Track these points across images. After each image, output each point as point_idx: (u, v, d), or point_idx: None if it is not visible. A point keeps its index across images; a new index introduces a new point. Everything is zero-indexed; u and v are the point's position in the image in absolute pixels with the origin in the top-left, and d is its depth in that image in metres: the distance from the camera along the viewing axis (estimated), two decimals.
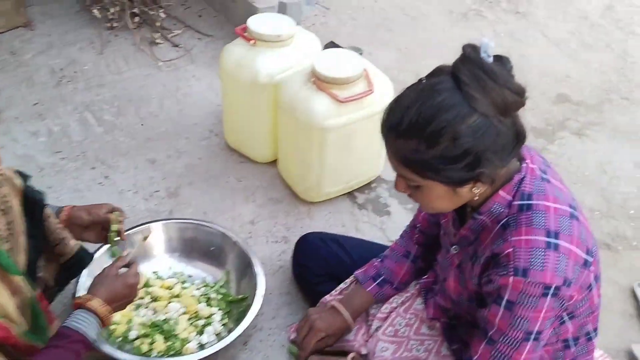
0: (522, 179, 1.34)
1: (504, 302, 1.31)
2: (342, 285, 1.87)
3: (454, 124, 1.16)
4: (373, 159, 2.45)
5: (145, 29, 3.36)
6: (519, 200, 1.34)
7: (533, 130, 2.89)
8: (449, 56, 1.23)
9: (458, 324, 1.66)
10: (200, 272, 2.10)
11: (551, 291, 1.26)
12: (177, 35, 3.35)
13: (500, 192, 1.35)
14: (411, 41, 3.54)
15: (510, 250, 1.30)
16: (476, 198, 1.33)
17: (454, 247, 1.54)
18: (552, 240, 1.27)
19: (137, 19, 3.35)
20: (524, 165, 1.35)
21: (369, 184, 2.52)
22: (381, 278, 1.80)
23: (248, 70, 2.36)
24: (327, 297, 1.87)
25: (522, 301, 1.28)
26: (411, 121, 1.20)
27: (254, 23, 2.40)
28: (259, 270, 1.98)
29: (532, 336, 1.30)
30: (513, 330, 1.31)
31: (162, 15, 3.35)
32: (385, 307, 1.78)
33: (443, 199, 1.32)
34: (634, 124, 3.04)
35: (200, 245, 2.12)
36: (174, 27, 3.40)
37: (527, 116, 1.30)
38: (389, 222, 2.39)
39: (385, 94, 2.29)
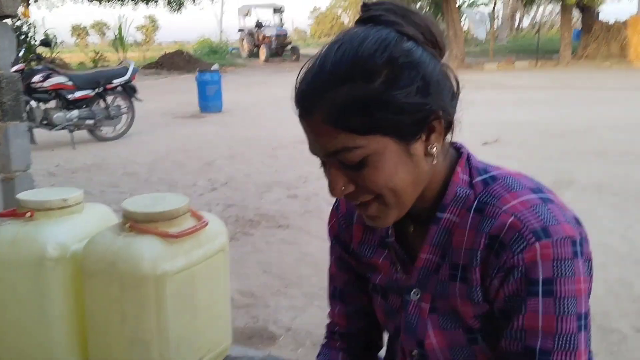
0: (468, 158, 1.12)
1: (540, 288, 0.97)
2: None
3: (386, 48, 0.95)
4: (222, 316, 1.90)
5: None
6: (478, 176, 1.09)
7: None
8: None
9: None
10: None
11: (577, 247, 0.98)
12: None
13: (458, 169, 1.09)
14: None
15: (512, 218, 1.01)
16: (435, 161, 1.03)
17: (413, 292, 1.15)
18: (542, 195, 1.03)
19: None
20: (462, 149, 1.14)
21: None
22: None
23: (29, 246, 1.75)
24: None
25: (559, 272, 0.97)
26: (335, 64, 0.95)
27: (27, 195, 1.87)
28: None
29: (583, 322, 0.97)
30: (564, 322, 0.97)
31: None
32: None
33: (400, 167, 1.00)
34: None
35: None
36: None
37: None
38: None
39: (219, 230, 1.87)
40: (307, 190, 5.68)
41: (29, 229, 1.78)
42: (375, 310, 1.26)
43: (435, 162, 1.03)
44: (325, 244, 1.34)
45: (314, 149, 1.01)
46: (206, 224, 1.79)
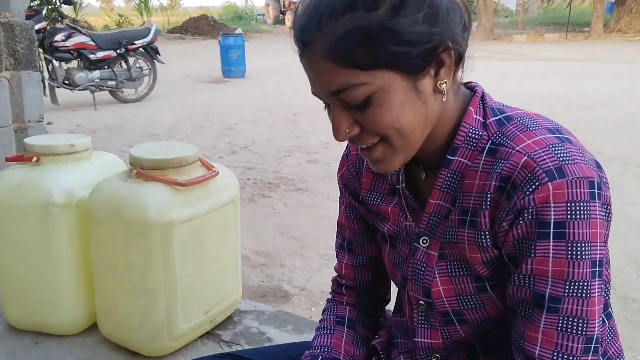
0: (482, 98, 1.03)
1: (551, 231, 0.89)
2: None
3: None
4: (232, 269, 1.86)
5: None
6: (493, 117, 1.00)
7: None
8: None
9: None
10: None
11: (595, 189, 0.89)
12: None
13: (471, 109, 1.00)
14: None
15: (526, 158, 0.92)
16: (444, 99, 0.95)
17: (422, 239, 1.07)
18: (559, 135, 0.95)
19: None
20: (477, 87, 1.05)
21: (229, 317, 1.89)
22: (319, 359, 1.20)
23: (35, 192, 1.71)
24: None
25: (573, 214, 0.88)
26: None
27: (33, 139, 1.82)
28: None
29: (597, 269, 0.89)
30: (577, 267, 0.88)
31: None
32: None
33: (407, 105, 0.92)
34: None
35: None
36: None
37: None
38: None
39: (230, 182, 1.82)
40: (328, 156, 5.60)
41: (34, 174, 1.74)
42: (383, 260, 1.20)
43: (444, 99, 0.95)
44: None
45: (315, 89, 0.94)
46: (216, 174, 1.74)
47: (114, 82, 8.46)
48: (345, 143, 1.06)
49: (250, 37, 19.58)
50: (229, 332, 1.85)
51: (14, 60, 2.63)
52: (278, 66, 13.04)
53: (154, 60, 8.92)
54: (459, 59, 0.96)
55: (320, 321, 1.31)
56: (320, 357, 1.19)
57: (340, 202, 1.29)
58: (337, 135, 0.94)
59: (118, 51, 8.46)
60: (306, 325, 1.90)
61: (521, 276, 0.91)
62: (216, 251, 1.77)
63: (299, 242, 3.59)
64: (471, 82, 1.05)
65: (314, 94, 0.96)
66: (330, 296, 1.36)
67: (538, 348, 0.90)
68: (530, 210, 0.88)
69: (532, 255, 0.89)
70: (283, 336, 1.83)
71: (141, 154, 1.67)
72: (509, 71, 11.26)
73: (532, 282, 0.90)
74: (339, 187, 1.28)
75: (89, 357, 1.74)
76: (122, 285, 1.67)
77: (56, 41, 7.93)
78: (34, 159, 1.76)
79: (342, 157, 1.26)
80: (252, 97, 9.21)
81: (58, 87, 7.96)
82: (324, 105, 0.98)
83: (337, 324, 1.26)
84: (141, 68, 8.89)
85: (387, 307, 1.39)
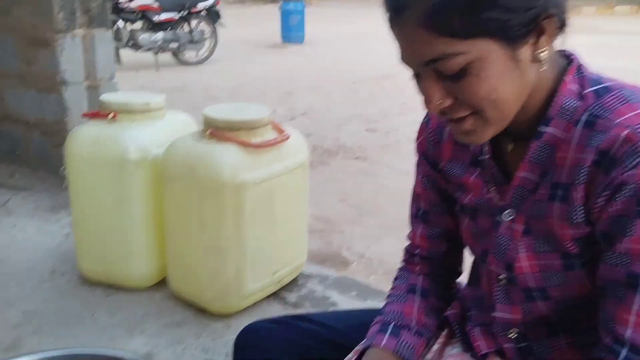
0: (579, 67, 0.96)
1: None
2: None
3: None
4: (299, 233, 1.87)
5: None
6: (590, 87, 0.94)
7: None
8: None
9: (534, 340, 1.08)
10: None
11: None
12: None
13: (567, 79, 0.94)
14: None
15: (628, 131, 0.86)
16: (543, 68, 0.89)
17: (506, 212, 1.03)
18: None
19: None
20: (573, 56, 0.98)
21: (294, 280, 1.90)
22: (391, 325, 1.18)
23: (111, 147, 1.75)
24: None
25: None
26: None
27: (110, 96, 1.85)
28: None
29: None
30: None
31: None
32: None
33: (505, 75, 0.87)
34: None
35: None
36: None
37: None
38: None
39: (301, 146, 1.81)
40: (387, 125, 5.55)
41: (111, 130, 1.77)
42: (462, 232, 1.17)
43: (543, 69, 0.90)
44: (403, 178, 1.25)
45: (407, 59, 0.89)
46: (288, 138, 1.73)
47: (176, 44, 8.57)
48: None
49: (310, 2, 19.44)
50: (294, 295, 1.86)
51: (88, 18, 2.67)
52: (337, 33, 12.94)
53: (215, 24, 8.96)
54: (560, 26, 0.91)
55: (391, 289, 1.29)
56: (392, 323, 1.17)
57: (416, 170, 1.26)
58: (429, 106, 0.90)
59: (181, 13, 8.53)
60: (370, 292, 1.90)
61: (615, 255, 0.87)
62: (285, 214, 1.77)
63: (358, 209, 3.58)
64: (566, 50, 1.00)
65: (405, 62, 0.91)
66: (402, 264, 1.33)
67: (629, 330, 0.86)
68: (631, 186, 0.83)
69: (629, 233, 0.85)
70: (347, 301, 1.84)
71: (216, 115, 1.68)
72: (577, 44, 10.82)
73: (626, 262, 0.86)
74: (417, 155, 1.24)
75: (158, 311, 1.79)
76: (194, 243, 1.70)
77: (121, 2, 8.05)
78: (111, 115, 1.79)
79: (422, 124, 1.21)
80: (310, 64, 9.17)
81: (122, 47, 8.10)
82: (412, 74, 0.93)
83: (409, 292, 1.24)
84: (203, 31, 8.96)
85: (459, 280, 1.37)
